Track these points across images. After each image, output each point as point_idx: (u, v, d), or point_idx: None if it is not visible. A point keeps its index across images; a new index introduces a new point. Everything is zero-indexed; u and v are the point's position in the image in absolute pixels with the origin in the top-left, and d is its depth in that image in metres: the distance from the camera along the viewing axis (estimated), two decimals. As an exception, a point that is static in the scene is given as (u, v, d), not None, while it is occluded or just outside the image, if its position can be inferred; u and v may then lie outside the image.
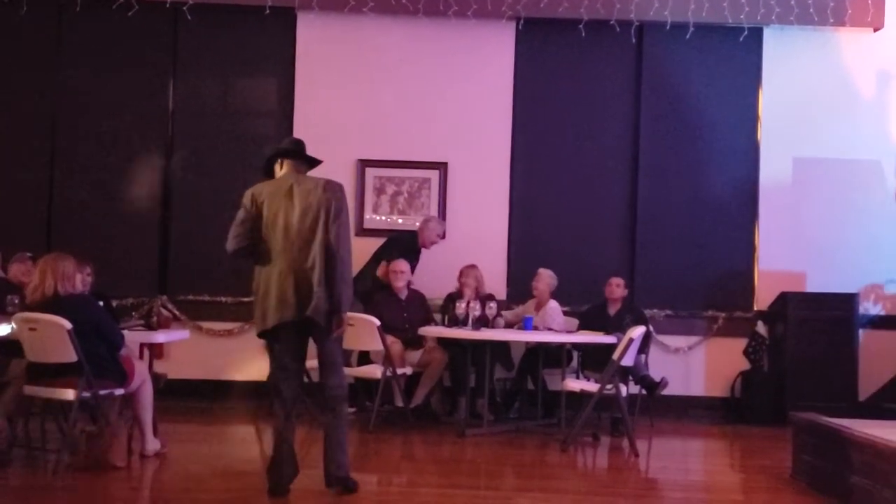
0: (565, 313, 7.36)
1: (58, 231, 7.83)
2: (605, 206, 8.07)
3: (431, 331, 6.92)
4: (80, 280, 5.17)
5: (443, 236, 7.66)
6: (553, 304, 7.23)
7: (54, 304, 4.94)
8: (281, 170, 4.66)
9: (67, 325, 4.84)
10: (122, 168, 7.97)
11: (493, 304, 6.80)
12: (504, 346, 7.27)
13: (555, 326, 6.99)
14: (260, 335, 4.57)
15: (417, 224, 7.61)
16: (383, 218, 7.90)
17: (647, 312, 7.52)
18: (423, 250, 7.51)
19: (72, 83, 7.98)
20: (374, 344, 6.54)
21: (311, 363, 4.75)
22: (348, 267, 4.55)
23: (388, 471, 5.52)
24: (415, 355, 7.04)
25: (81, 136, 7.97)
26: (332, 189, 4.53)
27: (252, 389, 7.38)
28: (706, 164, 8.07)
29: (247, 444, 6.52)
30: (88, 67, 8.00)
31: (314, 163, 4.74)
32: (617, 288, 7.28)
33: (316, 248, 4.42)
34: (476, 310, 6.57)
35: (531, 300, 7.41)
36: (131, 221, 7.93)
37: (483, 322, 6.65)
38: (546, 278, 7.29)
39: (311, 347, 4.61)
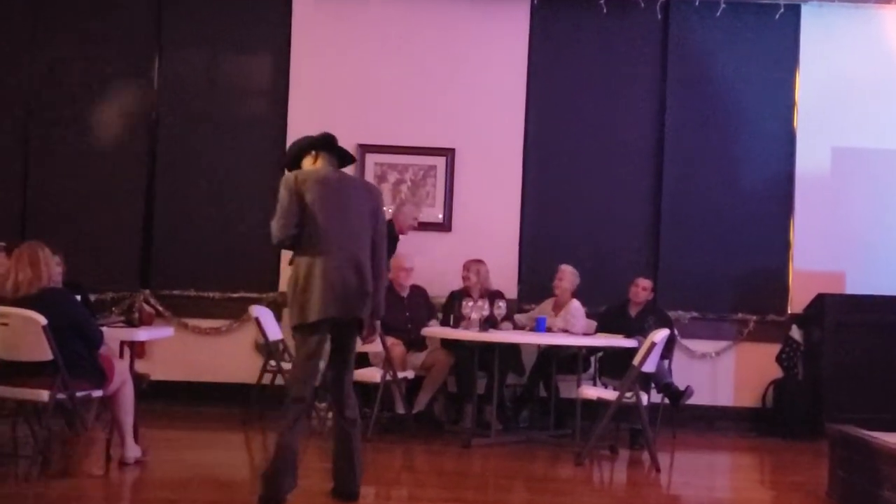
0: (584, 314, 7.36)
1: (33, 219, 7.85)
2: (627, 197, 8.06)
3: (435, 331, 6.93)
4: (54, 270, 5.17)
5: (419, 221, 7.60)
6: (577, 305, 7.21)
7: (29, 297, 4.94)
8: (315, 163, 4.72)
9: (42, 320, 4.85)
10: (103, 151, 7.98)
11: (501, 304, 6.79)
12: (514, 350, 7.25)
13: (577, 329, 6.99)
14: (295, 329, 4.56)
15: (390, 210, 7.58)
16: (385, 208, 7.83)
17: (672, 314, 7.53)
18: (401, 238, 7.50)
19: (48, 60, 7.98)
20: (374, 345, 6.52)
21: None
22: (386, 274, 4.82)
23: (386, 483, 5.52)
24: (417, 358, 7.04)
25: (58, 117, 7.97)
26: (377, 193, 4.89)
27: (241, 392, 7.38)
28: (737, 153, 8.06)
29: (235, 451, 6.53)
30: (65, 43, 8.00)
31: (345, 160, 4.82)
32: (643, 291, 7.29)
33: (367, 249, 4.60)
34: (484, 309, 6.56)
35: (548, 299, 7.40)
36: (112, 209, 7.94)
37: (491, 322, 6.65)
38: (570, 276, 7.29)
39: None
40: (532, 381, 7.29)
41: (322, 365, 4.68)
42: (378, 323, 4.78)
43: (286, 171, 4.70)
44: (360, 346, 6.54)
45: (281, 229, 4.52)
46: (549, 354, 7.08)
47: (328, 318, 4.47)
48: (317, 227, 4.50)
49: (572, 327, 6.99)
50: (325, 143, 4.74)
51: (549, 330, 6.88)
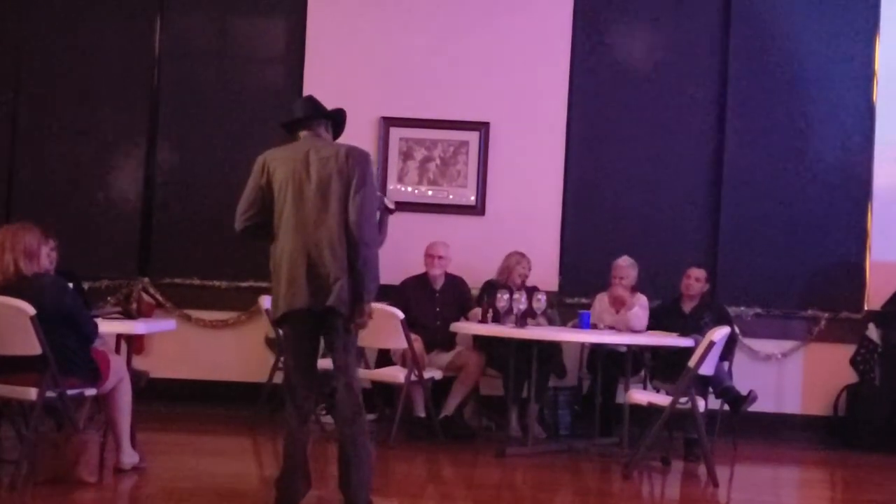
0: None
1: (21, 199, 7.92)
2: (682, 180, 8.04)
3: (464, 327, 6.92)
4: (45, 256, 5.20)
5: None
6: (645, 300, 7.15)
7: (15, 285, 4.97)
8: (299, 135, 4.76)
9: (31, 310, 4.87)
10: (98, 126, 8.03)
11: (541, 296, 6.76)
12: (555, 349, 7.22)
13: (640, 327, 6.95)
14: (275, 324, 4.74)
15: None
16: (410, 189, 7.88)
17: (732, 311, 7.51)
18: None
19: (38, 23, 8.02)
20: (397, 341, 6.54)
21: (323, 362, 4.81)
22: (374, 249, 4.62)
23: (410, 495, 5.51)
24: (445, 357, 7.04)
25: (49, 88, 8.02)
26: (355, 157, 4.61)
27: (250, 392, 7.43)
28: (808, 131, 8.00)
29: (242, 457, 6.56)
30: (56, 7, 8.03)
31: (338, 120, 4.78)
32: (696, 282, 7.24)
33: (333, 226, 4.50)
34: (521, 302, 6.53)
35: (602, 293, 7.32)
36: (107, 189, 8.00)
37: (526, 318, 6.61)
38: (636, 268, 7.21)
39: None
40: (595, 382, 7.15)
41: (316, 362, 4.70)
42: (370, 307, 4.58)
43: None
44: (382, 344, 6.66)
45: (238, 219, 4.61)
46: (603, 354, 7.02)
47: (295, 310, 4.49)
48: (280, 211, 4.54)
49: (641, 322, 6.96)
50: (292, 125, 4.72)
51: (594, 327, 6.85)
